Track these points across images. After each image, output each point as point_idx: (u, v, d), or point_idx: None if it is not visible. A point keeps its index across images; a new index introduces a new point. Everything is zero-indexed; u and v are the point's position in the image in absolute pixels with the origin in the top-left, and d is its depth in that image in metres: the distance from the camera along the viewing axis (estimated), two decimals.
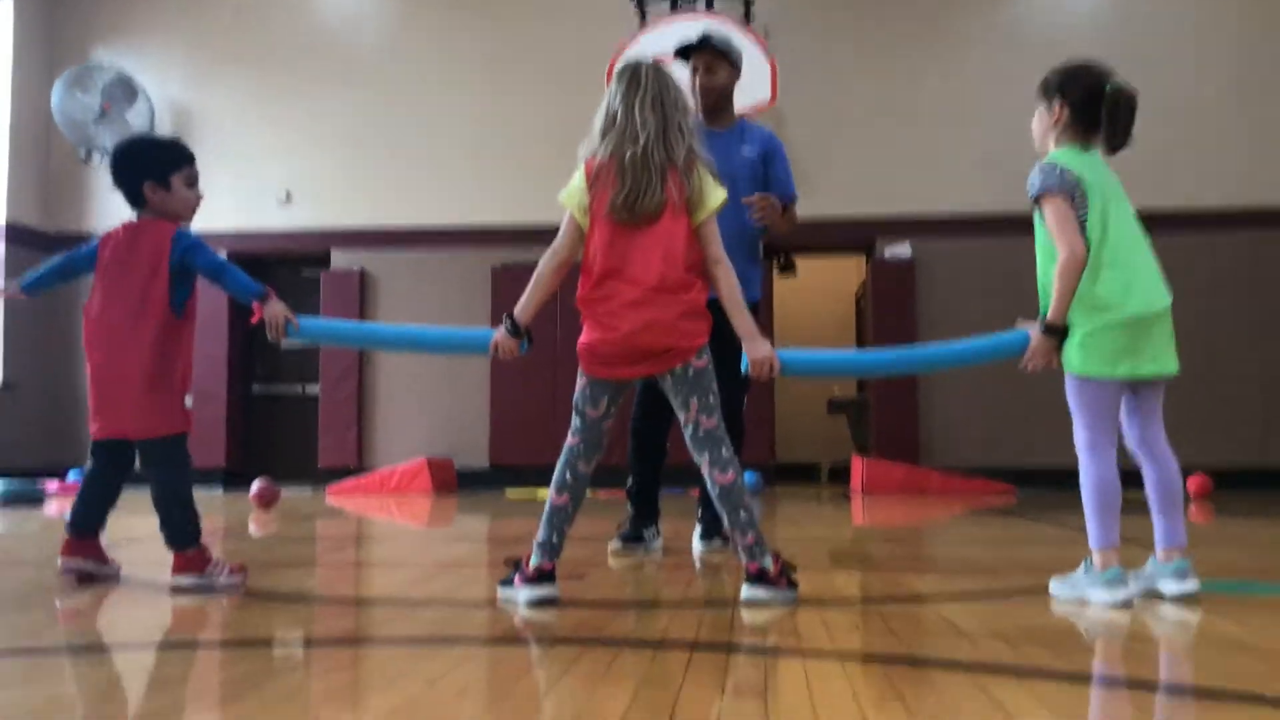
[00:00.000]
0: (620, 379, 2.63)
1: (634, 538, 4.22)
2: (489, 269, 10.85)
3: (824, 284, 13.47)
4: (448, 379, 10.93)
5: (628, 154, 2.56)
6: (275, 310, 3.02)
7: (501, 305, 10.77)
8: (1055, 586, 2.71)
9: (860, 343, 12.45)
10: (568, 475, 2.66)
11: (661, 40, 9.34)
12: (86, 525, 3.09)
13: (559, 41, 10.93)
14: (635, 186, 2.54)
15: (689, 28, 8.73)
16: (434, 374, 10.95)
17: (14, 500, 7.66)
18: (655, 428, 4.16)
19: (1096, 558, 2.59)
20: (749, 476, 10.21)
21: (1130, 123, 2.70)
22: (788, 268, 12.42)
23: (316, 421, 10.99)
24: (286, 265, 11.55)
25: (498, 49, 11.10)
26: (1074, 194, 2.64)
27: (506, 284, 10.79)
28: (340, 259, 11.18)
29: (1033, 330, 2.65)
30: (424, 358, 10.96)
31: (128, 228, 3.07)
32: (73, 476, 9.73)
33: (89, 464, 3.12)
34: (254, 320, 3.13)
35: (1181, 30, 10.43)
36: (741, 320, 2.65)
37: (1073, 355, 2.60)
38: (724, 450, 2.60)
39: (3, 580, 3.53)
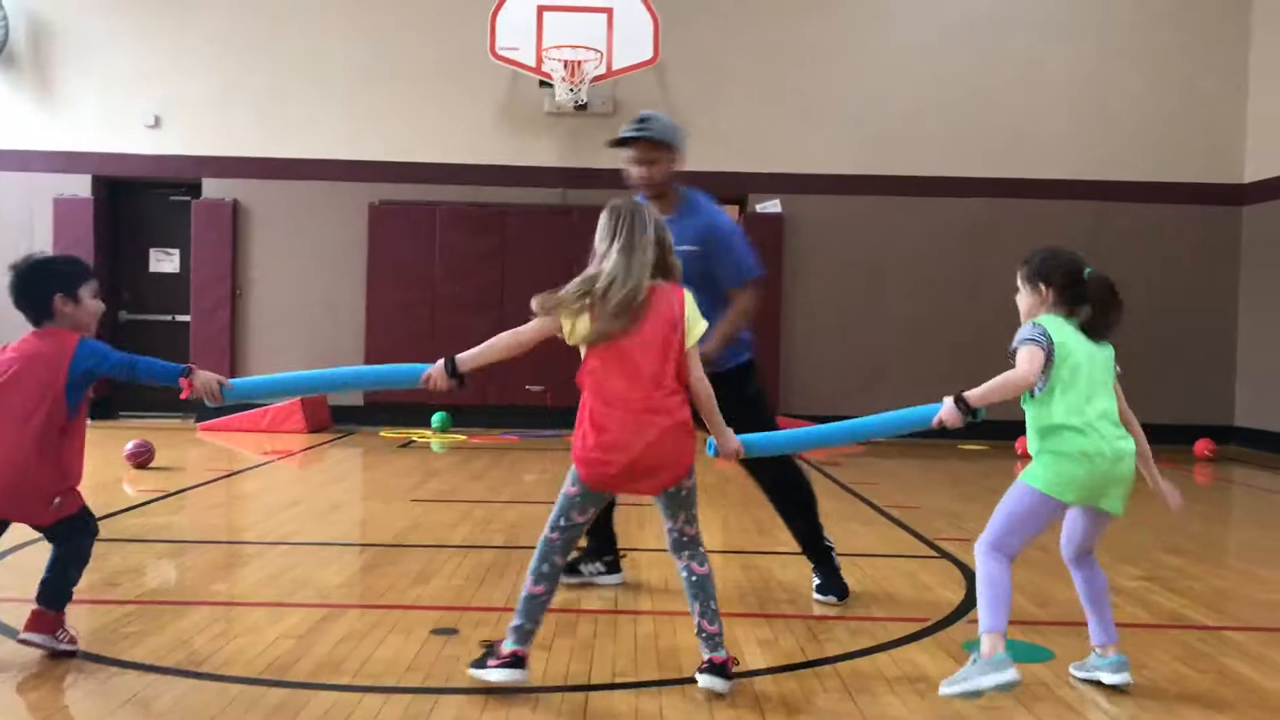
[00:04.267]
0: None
1: (569, 568, 4.18)
2: (366, 204, 10.80)
3: None
4: (323, 310, 10.85)
5: None
6: (205, 379, 3.09)
7: (378, 242, 10.73)
8: (945, 688, 2.88)
9: None
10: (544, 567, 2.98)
11: None
12: None
13: None
14: None
15: None
16: (309, 306, 10.86)
17: None
18: None
19: (985, 642, 2.87)
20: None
21: (1111, 305, 3.01)
22: None
23: (188, 350, 10.79)
24: (154, 190, 11.25)
25: None
26: (1049, 351, 2.94)
27: (383, 220, 10.76)
28: (212, 188, 10.94)
29: (948, 398, 2.96)
30: (300, 290, 10.86)
31: (35, 335, 3.08)
32: None
33: None
34: (184, 396, 3.18)
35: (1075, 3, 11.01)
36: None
37: (1038, 469, 2.94)
38: (701, 548, 3.04)
39: None
